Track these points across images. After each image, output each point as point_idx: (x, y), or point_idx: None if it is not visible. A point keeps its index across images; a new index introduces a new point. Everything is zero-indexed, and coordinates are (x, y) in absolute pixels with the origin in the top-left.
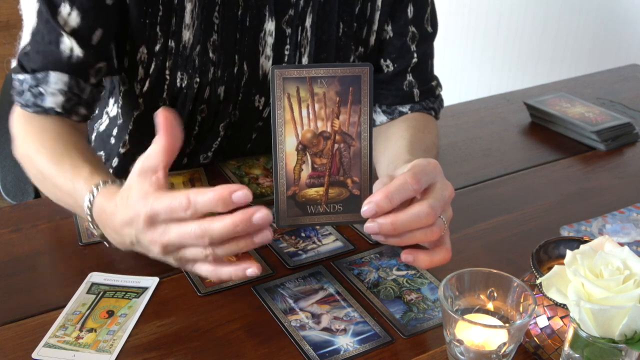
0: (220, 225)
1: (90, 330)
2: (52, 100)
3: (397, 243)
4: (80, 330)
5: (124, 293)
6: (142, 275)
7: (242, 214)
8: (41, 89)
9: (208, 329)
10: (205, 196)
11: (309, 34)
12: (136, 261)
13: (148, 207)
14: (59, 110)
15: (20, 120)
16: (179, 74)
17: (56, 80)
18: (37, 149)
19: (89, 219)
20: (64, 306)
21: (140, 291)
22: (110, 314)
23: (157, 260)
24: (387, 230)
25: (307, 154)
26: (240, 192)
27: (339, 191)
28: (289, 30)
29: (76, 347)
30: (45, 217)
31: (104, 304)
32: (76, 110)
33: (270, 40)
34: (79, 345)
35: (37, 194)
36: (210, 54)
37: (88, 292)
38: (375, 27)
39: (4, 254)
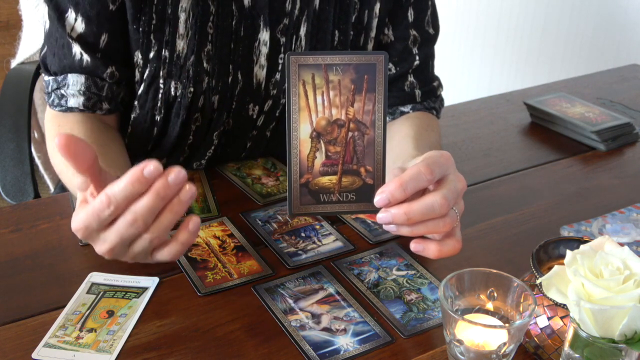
0: (144, 201)
1: (90, 330)
2: (74, 100)
3: (408, 233)
4: (80, 330)
5: (124, 293)
6: (142, 275)
7: (158, 181)
8: (63, 92)
9: (208, 329)
10: (120, 184)
11: (303, 43)
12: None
13: (75, 224)
14: (81, 108)
15: (48, 119)
16: (172, 83)
17: (74, 82)
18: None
19: None
20: (64, 306)
21: (140, 291)
22: (110, 314)
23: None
24: (401, 220)
25: (321, 142)
26: (151, 166)
27: (352, 180)
28: (283, 39)
29: (76, 347)
30: (45, 217)
31: (104, 304)
32: (99, 106)
33: (264, 49)
34: (79, 345)
35: (37, 194)
36: (205, 64)
37: (88, 292)
38: (372, 34)
39: (4, 254)
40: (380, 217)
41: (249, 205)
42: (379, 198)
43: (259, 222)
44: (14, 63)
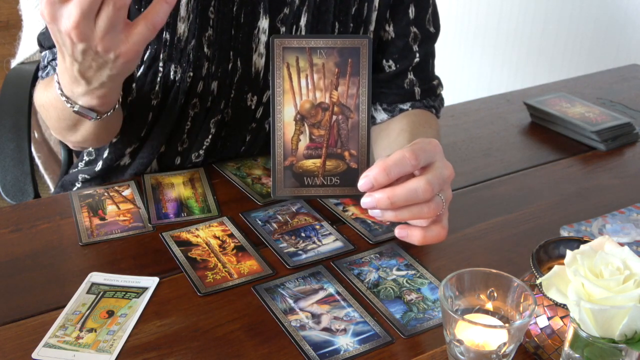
0: None
1: (90, 330)
2: None
3: (393, 218)
4: (80, 330)
5: (124, 293)
6: (142, 275)
7: None
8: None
9: (208, 329)
10: None
11: (303, 33)
12: (136, 261)
13: (41, 4)
14: None
15: (37, 87)
16: (172, 66)
17: None
18: (40, 91)
19: (60, 92)
20: (64, 306)
21: (140, 291)
22: (110, 314)
23: (157, 258)
24: (384, 204)
25: (305, 125)
26: None
27: (336, 164)
28: (283, 29)
29: (76, 347)
30: (45, 217)
31: (104, 304)
32: None
33: (263, 37)
34: (79, 345)
35: (37, 194)
36: (205, 49)
37: (88, 292)
38: (372, 27)
39: (4, 254)
40: (364, 201)
41: (249, 205)
42: (362, 182)
43: (259, 222)
44: (14, 63)
